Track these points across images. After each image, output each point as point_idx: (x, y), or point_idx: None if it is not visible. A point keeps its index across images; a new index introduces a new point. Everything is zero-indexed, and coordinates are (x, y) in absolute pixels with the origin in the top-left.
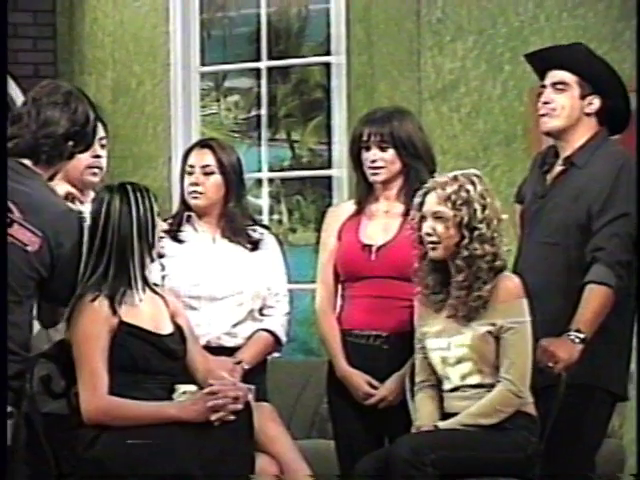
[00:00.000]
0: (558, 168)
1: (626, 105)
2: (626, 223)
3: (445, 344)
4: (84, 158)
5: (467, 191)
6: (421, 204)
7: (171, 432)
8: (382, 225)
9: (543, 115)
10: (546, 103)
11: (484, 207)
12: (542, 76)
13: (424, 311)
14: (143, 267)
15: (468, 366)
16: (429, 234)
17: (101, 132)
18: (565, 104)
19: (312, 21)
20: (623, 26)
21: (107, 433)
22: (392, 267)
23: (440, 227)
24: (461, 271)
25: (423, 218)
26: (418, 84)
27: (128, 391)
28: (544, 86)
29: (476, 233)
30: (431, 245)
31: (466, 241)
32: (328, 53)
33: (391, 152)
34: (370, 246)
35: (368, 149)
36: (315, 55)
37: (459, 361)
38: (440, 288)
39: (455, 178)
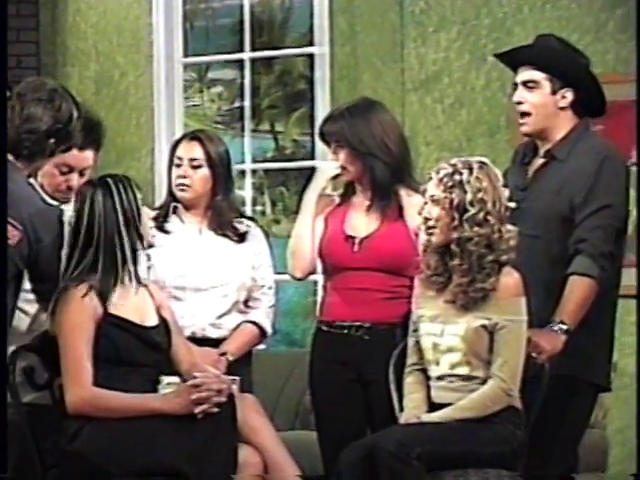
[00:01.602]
0: (539, 161)
1: (599, 92)
2: (609, 215)
3: (439, 330)
4: (54, 184)
5: (460, 174)
6: (425, 191)
7: (154, 424)
8: (365, 216)
9: (521, 117)
10: (519, 103)
11: (478, 190)
12: (516, 72)
13: (423, 292)
14: (133, 258)
15: (458, 356)
16: (427, 218)
17: (87, 162)
18: (537, 102)
19: (295, 12)
20: (606, 17)
21: (90, 425)
22: (374, 259)
23: (435, 210)
24: (456, 255)
25: (425, 204)
26: (401, 75)
27: (112, 383)
28: (516, 84)
29: (466, 215)
30: (429, 230)
31: (456, 223)
32: (311, 44)
33: (345, 151)
34: (353, 237)
35: (330, 148)
36: (298, 46)
37: (450, 350)
38: (442, 271)
39: (453, 163)
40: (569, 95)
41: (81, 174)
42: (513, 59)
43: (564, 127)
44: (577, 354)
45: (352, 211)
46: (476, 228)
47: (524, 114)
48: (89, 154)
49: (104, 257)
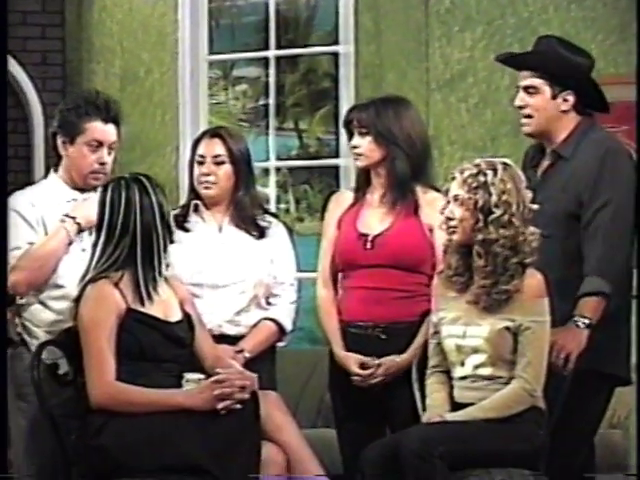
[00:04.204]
0: (546, 162)
1: (598, 93)
2: (616, 207)
3: (461, 332)
4: (87, 164)
5: (485, 175)
6: (447, 190)
7: (178, 420)
8: (379, 214)
9: (523, 118)
10: (520, 107)
11: (502, 192)
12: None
13: (444, 293)
14: (165, 254)
15: (482, 357)
16: (449, 218)
17: (113, 136)
18: (538, 106)
19: (320, 10)
20: (631, 17)
21: (114, 420)
22: (388, 256)
23: (458, 211)
24: (480, 256)
25: (447, 203)
26: (426, 74)
27: (135, 378)
28: (519, 87)
29: (491, 217)
30: (451, 229)
31: (481, 224)
32: (336, 42)
33: (369, 138)
34: (366, 235)
35: (352, 135)
36: (323, 44)
37: (474, 351)
38: (463, 271)
39: (477, 164)
40: (570, 98)
41: (109, 151)
42: (514, 64)
43: (568, 127)
44: (592, 346)
45: (365, 209)
46: (502, 230)
47: (527, 116)
48: (112, 128)
49: (142, 251)
